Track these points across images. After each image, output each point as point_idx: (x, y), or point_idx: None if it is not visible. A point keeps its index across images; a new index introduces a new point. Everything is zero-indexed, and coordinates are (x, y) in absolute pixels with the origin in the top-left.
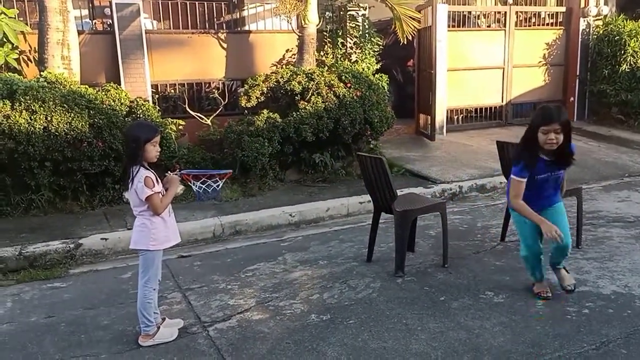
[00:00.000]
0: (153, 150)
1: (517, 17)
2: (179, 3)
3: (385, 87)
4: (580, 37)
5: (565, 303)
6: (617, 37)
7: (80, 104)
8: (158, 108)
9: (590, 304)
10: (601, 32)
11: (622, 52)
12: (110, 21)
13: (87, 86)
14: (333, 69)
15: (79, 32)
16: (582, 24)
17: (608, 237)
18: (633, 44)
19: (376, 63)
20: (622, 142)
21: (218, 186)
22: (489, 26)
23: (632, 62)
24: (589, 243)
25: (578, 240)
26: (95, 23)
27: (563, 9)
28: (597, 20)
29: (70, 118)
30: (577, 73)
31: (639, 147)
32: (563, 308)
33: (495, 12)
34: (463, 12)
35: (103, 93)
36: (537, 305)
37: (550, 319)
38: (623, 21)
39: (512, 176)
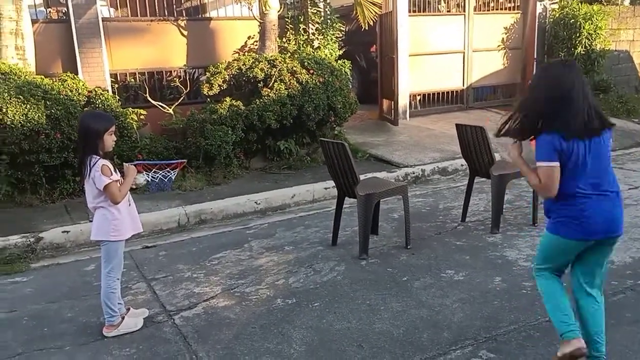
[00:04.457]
0: (110, 140)
1: (476, 2)
2: None
3: (348, 73)
4: (537, 20)
5: (521, 278)
6: (573, 20)
7: (36, 94)
8: (118, 97)
9: None
10: (557, 15)
11: (577, 35)
12: (66, 9)
13: (42, 76)
14: (295, 56)
15: (33, 21)
16: (539, 8)
17: None
18: (587, 27)
19: (339, 49)
20: None
21: (173, 175)
22: (449, 11)
23: (586, 45)
24: (544, 219)
25: (534, 218)
26: (49, 11)
27: None
28: (553, 4)
29: (26, 109)
30: (535, 56)
31: None
32: (519, 283)
33: None
34: None
35: (60, 83)
36: (495, 282)
37: (507, 294)
38: (578, 4)
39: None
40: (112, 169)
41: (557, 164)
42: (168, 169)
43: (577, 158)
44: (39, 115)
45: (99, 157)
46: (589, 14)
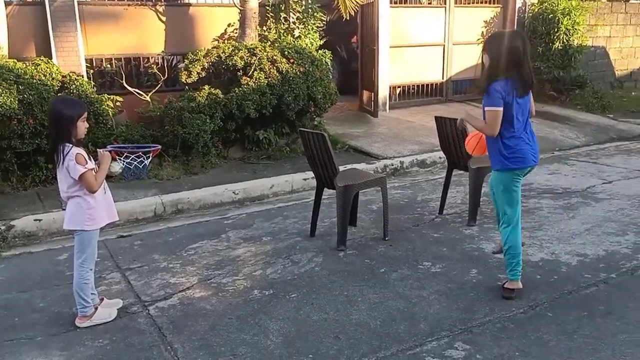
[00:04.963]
0: (82, 127)
1: None
2: None
3: (329, 63)
4: (517, 15)
5: (497, 270)
6: (551, 15)
7: (8, 78)
8: (93, 83)
9: None
10: (536, 10)
11: (556, 30)
12: None
13: (15, 60)
14: (276, 45)
15: (7, 4)
16: (519, 2)
17: (538, 207)
18: (566, 22)
19: (320, 39)
20: (554, 117)
21: (147, 161)
22: (430, 3)
23: (564, 40)
24: (521, 214)
25: None
26: None
27: None
28: None
29: None
30: None
31: (569, 122)
32: (495, 275)
33: None
34: None
35: (33, 67)
36: (471, 274)
37: (482, 286)
38: None
39: None
40: (87, 157)
41: (501, 108)
42: (140, 152)
43: (514, 109)
44: (11, 100)
45: (72, 145)
46: (567, 9)
